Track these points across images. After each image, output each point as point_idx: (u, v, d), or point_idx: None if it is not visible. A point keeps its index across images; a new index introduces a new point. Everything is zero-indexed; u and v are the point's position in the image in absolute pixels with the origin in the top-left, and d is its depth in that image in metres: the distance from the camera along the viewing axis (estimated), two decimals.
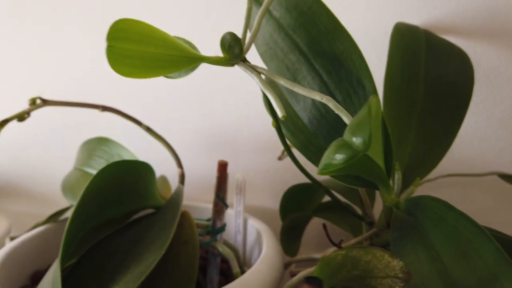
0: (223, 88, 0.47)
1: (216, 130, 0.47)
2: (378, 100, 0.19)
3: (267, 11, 0.29)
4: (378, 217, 0.34)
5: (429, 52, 0.36)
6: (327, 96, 0.24)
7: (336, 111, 0.24)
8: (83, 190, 0.24)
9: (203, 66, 0.24)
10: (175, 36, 0.24)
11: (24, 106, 0.38)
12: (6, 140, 0.52)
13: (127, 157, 0.38)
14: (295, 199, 0.41)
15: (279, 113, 0.24)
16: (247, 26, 0.24)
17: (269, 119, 0.46)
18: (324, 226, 0.31)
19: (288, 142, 0.30)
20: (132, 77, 0.21)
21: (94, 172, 0.39)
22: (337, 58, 0.28)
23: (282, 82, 0.24)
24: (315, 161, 0.30)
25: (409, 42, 0.36)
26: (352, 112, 0.28)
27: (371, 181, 0.28)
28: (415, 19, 0.40)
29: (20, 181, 0.56)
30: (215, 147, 0.47)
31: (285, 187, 0.43)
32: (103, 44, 0.19)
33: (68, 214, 0.42)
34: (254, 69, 0.25)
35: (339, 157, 0.19)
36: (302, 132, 0.30)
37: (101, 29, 0.49)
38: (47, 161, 0.55)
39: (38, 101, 0.38)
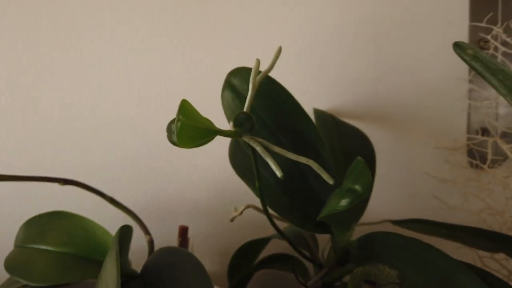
0: (164, 161, 0.51)
1: (156, 200, 0.50)
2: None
3: None
4: (326, 259, 0.41)
5: (339, 131, 0.48)
6: (311, 160, 0.32)
7: (317, 171, 0.32)
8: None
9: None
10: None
11: None
12: None
13: (92, 228, 0.38)
14: (242, 258, 0.46)
15: (278, 174, 0.30)
16: (249, 108, 0.31)
17: (209, 187, 0.51)
18: (294, 270, 0.37)
19: None
20: (183, 146, 0.26)
21: (50, 248, 0.38)
22: (299, 133, 0.37)
23: (277, 150, 0.32)
24: (283, 215, 0.37)
25: (325, 123, 0.48)
26: (313, 174, 0.36)
27: (329, 227, 0.36)
28: (322, 104, 0.52)
29: None
30: (159, 216, 0.50)
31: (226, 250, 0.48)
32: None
33: None
34: (255, 140, 0.31)
35: (345, 201, 0.27)
36: (272, 192, 0.37)
37: None
38: None
39: None
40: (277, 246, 0.51)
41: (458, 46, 0.38)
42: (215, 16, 0.51)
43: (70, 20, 0.50)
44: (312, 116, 0.49)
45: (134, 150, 0.50)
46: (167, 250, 0.34)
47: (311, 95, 0.53)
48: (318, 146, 0.37)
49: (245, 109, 0.32)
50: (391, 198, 0.55)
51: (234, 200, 0.51)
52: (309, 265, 0.44)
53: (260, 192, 0.35)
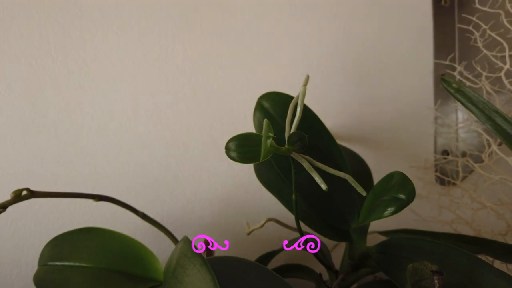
0: (170, 178, 0.52)
1: (165, 215, 0.51)
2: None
3: None
4: (341, 265, 0.46)
5: None
6: (348, 175, 0.36)
7: (352, 184, 0.36)
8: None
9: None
10: (258, 134, 0.32)
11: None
12: None
13: (128, 243, 0.38)
14: None
15: (323, 187, 0.34)
16: (296, 128, 0.35)
17: (213, 205, 0.53)
18: (320, 275, 0.41)
19: None
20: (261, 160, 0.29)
21: (85, 264, 0.37)
22: (324, 150, 0.41)
23: (319, 165, 0.36)
24: (309, 225, 0.41)
25: None
26: (336, 187, 0.41)
27: (347, 235, 0.41)
28: None
29: None
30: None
31: None
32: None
33: None
34: (302, 157, 0.35)
35: (391, 209, 0.32)
36: (300, 205, 0.41)
37: None
38: None
39: (25, 192, 0.36)
40: (278, 258, 0.54)
41: (444, 81, 0.45)
42: (220, 43, 0.55)
43: (77, 39, 0.50)
44: None
45: (142, 167, 0.51)
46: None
47: None
48: (339, 162, 0.41)
49: (293, 129, 0.36)
50: None
51: (237, 216, 0.54)
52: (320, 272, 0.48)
53: (296, 205, 0.39)
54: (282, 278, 0.31)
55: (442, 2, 0.67)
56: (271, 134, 0.28)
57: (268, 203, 0.53)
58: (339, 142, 0.59)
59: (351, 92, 0.60)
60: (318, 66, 0.59)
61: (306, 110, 0.42)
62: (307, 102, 0.58)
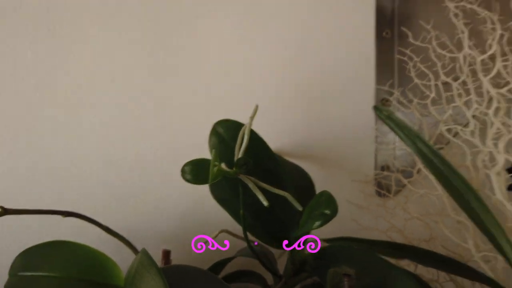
0: (134, 194, 0.57)
1: (128, 228, 0.56)
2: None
3: None
4: (284, 270, 0.52)
5: (287, 168, 0.60)
6: (287, 193, 0.42)
7: (291, 201, 0.43)
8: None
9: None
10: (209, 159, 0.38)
11: None
12: None
13: (94, 254, 0.43)
14: None
15: (265, 203, 0.40)
16: (243, 153, 0.41)
17: (174, 218, 0.59)
18: (265, 279, 0.47)
19: None
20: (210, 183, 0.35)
21: (52, 274, 0.41)
22: (270, 170, 0.47)
23: (264, 186, 0.42)
24: (256, 236, 0.47)
25: None
26: (279, 202, 0.47)
27: (290, 244, 0.47)
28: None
29: None
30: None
31: None
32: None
33: None
34: (249, 178, 0.41)
35: (318, 223, 0.38)
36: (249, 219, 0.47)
37: None
38: None
39: None
40: (233, 265, 0.59)
41: (377, 109, 0.53)
42: (181, 69, 0.61)
43: (62, 71, 0.54)
44: None
45: (109, 184, 0.56)
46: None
47: None
48: (283, 181, 0.48)
49: (240, 154, 0.42)
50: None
51: (196, 228, 0.59)
52: (267, 277, 0.54)
53: (243, 218, 0.44)
54: (228, 284, 0.36)
55: (384, 34, 0.75)
56: (217, 163, 0.34)
57: (222, 217, 0.59)
58: (289, 159, 0.65)
59: (300, 115, 0.67)
60: (272, 92, 0.65)
61: (254, 135, 0.48)
62: (262, 123, 0.64)
